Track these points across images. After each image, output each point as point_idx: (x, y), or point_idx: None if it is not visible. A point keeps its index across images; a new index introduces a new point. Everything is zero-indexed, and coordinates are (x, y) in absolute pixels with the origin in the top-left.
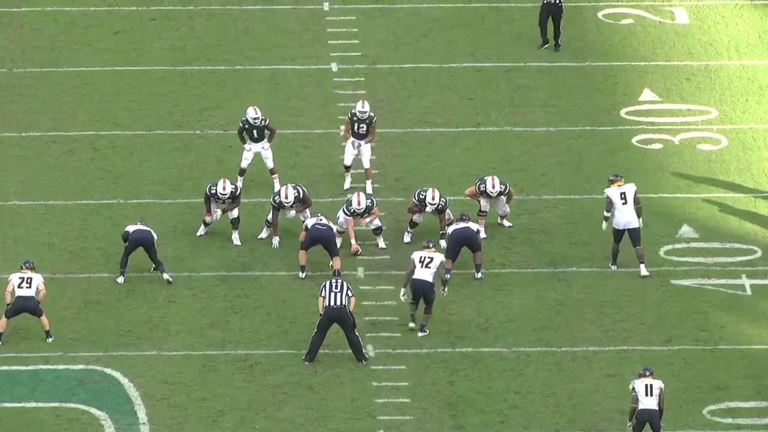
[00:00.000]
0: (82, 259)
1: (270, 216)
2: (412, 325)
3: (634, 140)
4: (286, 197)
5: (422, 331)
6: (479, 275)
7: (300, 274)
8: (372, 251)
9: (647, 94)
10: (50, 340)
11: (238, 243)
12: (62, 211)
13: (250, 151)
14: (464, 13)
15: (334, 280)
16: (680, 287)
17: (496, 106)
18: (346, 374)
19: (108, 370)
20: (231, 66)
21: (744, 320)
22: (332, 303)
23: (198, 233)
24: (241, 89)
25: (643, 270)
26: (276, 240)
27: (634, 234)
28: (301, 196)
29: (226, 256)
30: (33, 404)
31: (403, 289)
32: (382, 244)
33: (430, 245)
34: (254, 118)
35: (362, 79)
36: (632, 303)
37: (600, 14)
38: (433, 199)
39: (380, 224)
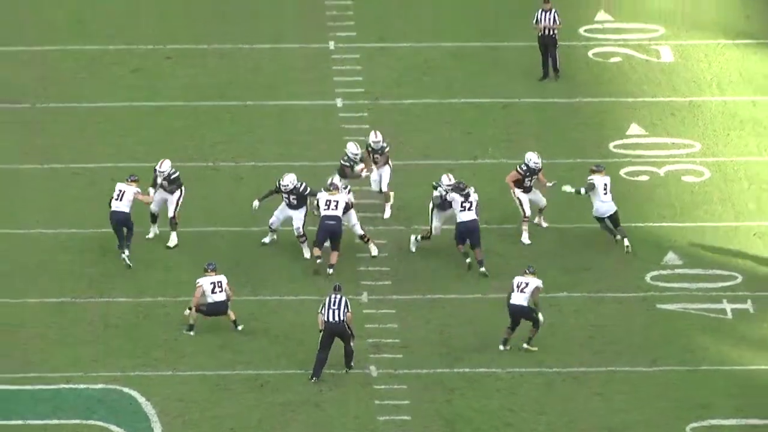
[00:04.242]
0: (101, 285)
1: (271, 221)
2: (502, 347)
3: (622, 172)
4: (284, 181)
5: (529, 344)
6: (483, 269)
7: (318, 261)
8: (375, 277)
9: (634, 129)
10: (240, 328)
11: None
12: (83, 239)
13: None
14: (462, 52)
15: (333, 296)
16: (665, 311)
17: (493, 140)
18: (350, 393)
19: (126, 389)
20: (242, 102)
21: (725, 343)
22: (331, 319)
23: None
24: (252, 124)
25: (626, 242)
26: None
27: (614, 217)
28: (300, 189)
29: (236, 282)
30: (56, 421)
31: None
32: (374, 251)
33: (528, 270)
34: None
35: (366, 114)
36: (620, 326)
37: (590, 53)
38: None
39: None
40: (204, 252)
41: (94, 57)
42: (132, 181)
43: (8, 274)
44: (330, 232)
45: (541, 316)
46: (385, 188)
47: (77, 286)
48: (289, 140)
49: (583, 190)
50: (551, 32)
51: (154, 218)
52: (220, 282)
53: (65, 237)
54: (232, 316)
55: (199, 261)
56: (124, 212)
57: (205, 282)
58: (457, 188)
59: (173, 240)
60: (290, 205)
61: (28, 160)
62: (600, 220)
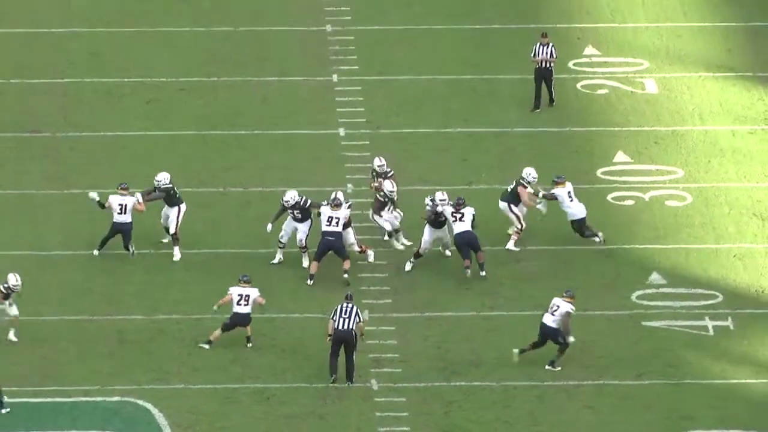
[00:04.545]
0: (118, 303)
1: (281, 235)
2: (515, 351)
3: (609, 197)
4: (285, 197)
5: (552, 365)
6: (483, 273)
7: (308, 281)
8: (376, 296)
9: (621, 156)
10: (250, 345)
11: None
12: (99, 260)
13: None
14: (458, 83)
15: (345, 305)
16: (651, 328)
17: (487, 166)
18: (352, 405)
19: (140, 402)
20: (250, 130)
21: (707, 357)
22: (340, 327)
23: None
24: (259, 151)
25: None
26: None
27: (585, 220)
28: (301, 203)
29: None
30: None
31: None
32: (371, 257)
33: (565, 294)
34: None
35: (367, 142)
36: (608, 342)
37: (579, 85)
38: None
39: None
40: (215, 272)
41: (111, 89)
42: (123, 189)
43: (29, 293)
44: (329, 247)
45: (571, 339)
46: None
47: (94, 304)
48: (295, 167)
49: (541, 196)
50: (548, 65)
51: (166, 230)
52: (248, 296)
53: (82, 258)
54: (248, 332)
55: (210, 281)
56: (129, 222)
57: (234, 292)
58: (454, 204)
59: (177, 255)
60: (295, 219)
61: (48, 185)
62: (578, 225)
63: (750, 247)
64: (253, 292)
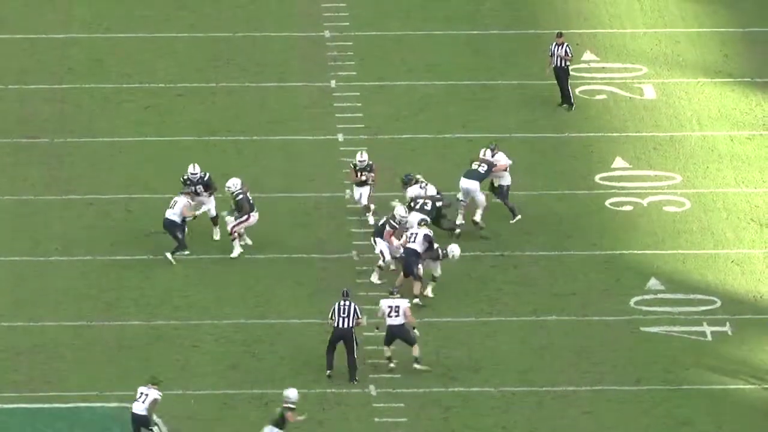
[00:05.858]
0: (116, 309)
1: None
2: None
3: (607, 203)
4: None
5: None
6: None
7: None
8: (375, 302)
9: (619, 162)
10: (418, 366)
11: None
12: (99, 266)
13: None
14: (457, 89)
15: (342, 303)
16: (649, 333)
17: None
18: (350, 411)
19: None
20: (249, 136)
21: (705, 363)
22: (340, 325)
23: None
24: (258, 157)
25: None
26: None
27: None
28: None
29: (245, 306)
30: None
31: None
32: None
33: None
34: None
35: (365, 148)
36: (606, 348)
37: (577, 91)
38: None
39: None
40: (215, 278)
41: (109, 94)
42: (185, 193)
43: (28, 298)
44: (406, 265)
45: None
46: (365, 201)
47: (93, 310)
48: (293, 172)
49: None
50: (563, 63)
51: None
52: (398, 307)
53: (81, 264)
54: (415, 351)
55: (211, 286)
56: (170, 219)
57: (384, 303)
58: (436, 198)
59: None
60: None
61: (47, 191)
62: (506, 191)
63: (748, 253)
64: (403, 303)
